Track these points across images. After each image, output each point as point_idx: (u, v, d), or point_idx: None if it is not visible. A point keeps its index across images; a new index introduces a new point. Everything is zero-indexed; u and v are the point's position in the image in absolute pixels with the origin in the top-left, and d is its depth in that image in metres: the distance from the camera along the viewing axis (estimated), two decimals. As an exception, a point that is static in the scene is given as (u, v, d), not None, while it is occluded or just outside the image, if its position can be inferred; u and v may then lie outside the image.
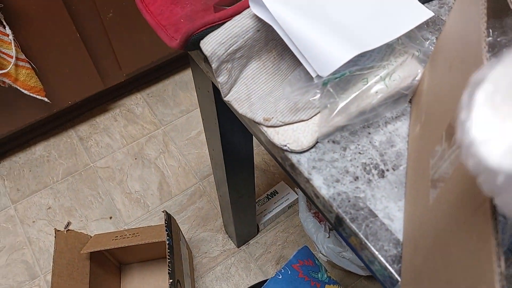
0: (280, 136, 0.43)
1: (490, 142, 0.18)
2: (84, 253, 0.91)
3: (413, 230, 0.36)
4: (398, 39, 0.42)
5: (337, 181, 0.42)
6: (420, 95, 0.42)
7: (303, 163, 0.43)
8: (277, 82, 0.47)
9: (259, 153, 1.37)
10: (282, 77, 0.47)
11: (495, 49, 0.34)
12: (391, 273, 0.37)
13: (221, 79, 0.45)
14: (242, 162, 0.86)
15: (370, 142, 0.44)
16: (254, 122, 0.45)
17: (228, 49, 0.43)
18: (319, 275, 0.71)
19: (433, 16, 0.45)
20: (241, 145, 0.81)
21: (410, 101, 0.46)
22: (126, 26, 1.19)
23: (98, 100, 1.45)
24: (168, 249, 0.87)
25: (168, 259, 0.85)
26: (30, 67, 1.07)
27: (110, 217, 1.26)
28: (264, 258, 1.20)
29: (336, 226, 0.42)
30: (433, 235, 0.31)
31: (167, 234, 0.88)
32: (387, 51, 0.41)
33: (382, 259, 0.38)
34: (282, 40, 0.47)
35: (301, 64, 0.45)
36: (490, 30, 0.34)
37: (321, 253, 0.97)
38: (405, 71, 0.43)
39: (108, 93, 1.45)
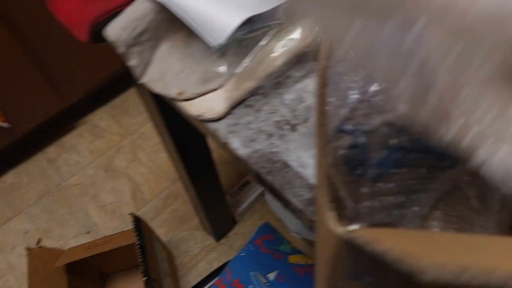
0: (195, 107, 0.45)
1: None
2: (58, 266, 0.92)
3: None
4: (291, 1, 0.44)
5: (253, 140, 0.44)
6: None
7: (220, 129, 0.45)
8: (187, 61, 0.48)
9: (227, 148, 1.39)
10: (191, 54, 0.49)
11: None
12: (307, 216, 0.39)
13: (132, 62, 0.46)
14: (200, 155, 0.88)
15: (281, 101, 0.46)
16: (169, 98, 0.47)
17: (132, 32, 0.45)
18: (282, 247, 0.72)
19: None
20: (192, 136, 0.83)
21: (315, 59, 0.48)
22: (76, 42, 1.20)
23: (63, 120, 1.45)
24: (140, 248, 0.88)
25: (140, 258, 0.87)
26: (-18, 94, 1.08)
27: (88, 232, 1.27)
28: (244, 247, 1.21)
29: (258, 182, 0.44)
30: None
31: (137, 234, 0.89)
32: (279, 12, 0.44)
33: (298, 204, 0.40)
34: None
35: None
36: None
37: (292, 232, 0.99)
38: (305, 31, 0.45)
39: (71, 112, 1.45)
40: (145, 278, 0.84)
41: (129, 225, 1.26)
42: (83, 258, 0.98)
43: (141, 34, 0.45)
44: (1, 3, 1.01)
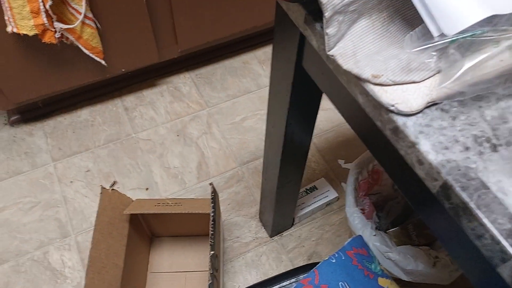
0: (389, 95, 0.41)
1: None
2: (126, 213, 0.91)
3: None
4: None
5: (446, 148, 0.40)
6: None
7: (409, 126, 0.41)
8: (384, 44, 0.45)
9: (302, 147, 1.35)
10: (390, 39, 0.45)
11: None
12: (504, 247, 0.35)
13: (330, 30, 0.43)
14: (300, 145, 0.84)
15: (481, 115, 0.42)
16: (359, 78, 0.43)
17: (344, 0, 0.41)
18: (373, 266, 0.68)
19: None
20: (304, 126, 0.79)
21: (525, 81, 0.44)
22: (191, 1, 1.19)
23: (148, 74, 1.45)
24: (212, 221, 0.85)
25: (212, 231, 0.84)
26: (95, 26, 1.08)
27: (147, 188, 1.26)
28: (296, 251, 1.17)
29: (439, 196, 0.40)
30: None
31: (213, 206, 0.87)
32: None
33: (495, 232, 0.35)
34: (396, 0, 0.45)
35: (413, 27, 0.43)
36: None
37: (370, 249, 0.93)
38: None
39: (158, 68, 1.45)
40: (212, 252, 0.81)
41: (189, 193, 1.24)
42: (142, 214, 0.97)
43: (351, 3, 0.42)
44: None
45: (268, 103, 0.79)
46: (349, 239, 0.70)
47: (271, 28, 1.49)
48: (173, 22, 1.23)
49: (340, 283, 0.63)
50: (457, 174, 0.38)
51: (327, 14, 0.42)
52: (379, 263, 0.70)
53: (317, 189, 1.24)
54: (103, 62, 1.17)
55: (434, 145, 0.40)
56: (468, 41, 0.38)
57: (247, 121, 1.40)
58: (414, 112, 0.41)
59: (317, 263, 0.66)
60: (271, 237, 1.19)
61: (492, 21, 0.38)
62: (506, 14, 0.37)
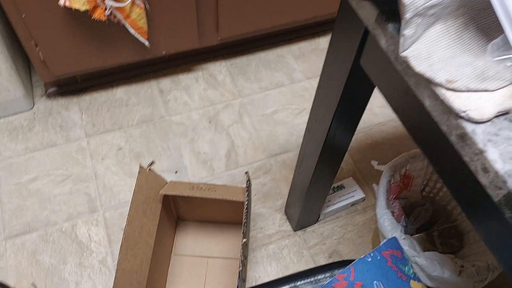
0: (462, 101, 0.42)
1: None
2: (161, 194, 0.93)
3: None
4: None
5: (514, 158, 0.40)
6: None
7: (478, 133, 0.41)
8: (457, 50, 0.45)
9: (331, 145, 1.36)
10: (463, 46, 0.45)
11: None
12: None
13: (407, 31, 0.44)
14: (341, 142, 0.85)
15: (550, 129, 0.42)
16: (432, 82, 0.43)
17: (427, 2, 0.42)
18: (406, 269, 0.69)
19: None
20: (348, 124, 0.80)
21: None
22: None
23: (185, 59, 1.47)
24: (246, 209, 0.87)
25: (245, 219, 0.85)
26: (144, 7, 1.09)
27: (176, 172, 1.28)
28: (318, 248, 1.18)
29: (502, 204, 0.40)
30: None
31: (247, 195, 0.88)
32: None
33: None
34: (472, 9, 0.46)
35: (489, 36, 0.43)
36: None
37: (404, 252, 0.94)
38: None
39: (195, 54, 1.47)
40: (244, 240, 0.83)
41: (216, 180, 1.26)
42: (173, 196, 0.99)
43: (432, 7, 0.42)
44: None
45: (315, 97, 0.80)
46: (385, 240, 0.71)
47: (310, 24, 1.49)
48: (217, 10, 1.24)
49: (374, 282, 0.64)
50: (525, 184, 0.39)
51: (407, 15, 0.43)
52: (412, 266, 0.71)
53: (344, 188, 1.25)
54: (146, 43, 1.18)
55: (502, 154, 0.40)
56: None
57: (278, 114, 1.41)
58: (484, 120, 0.42)
59: (353, 260, 0.67)
60: (294, 231, 1.21)
61: None
62: None
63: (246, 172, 0.92)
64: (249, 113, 1.41)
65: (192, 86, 1.45)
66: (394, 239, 0.72)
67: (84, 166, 1.28)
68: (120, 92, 1.42)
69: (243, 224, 0.84)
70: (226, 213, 1.09)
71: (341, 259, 0.68)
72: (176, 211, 1.13)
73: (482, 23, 0.46)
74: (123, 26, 1.12)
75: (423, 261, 0.88)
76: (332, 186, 1.25)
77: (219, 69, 1.50)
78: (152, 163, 0.92)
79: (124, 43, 1.21)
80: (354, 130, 0.84)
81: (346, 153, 1.32)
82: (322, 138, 0.82)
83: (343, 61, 0.66)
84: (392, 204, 1.03)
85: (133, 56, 1.26)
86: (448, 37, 0.45)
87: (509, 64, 0.41)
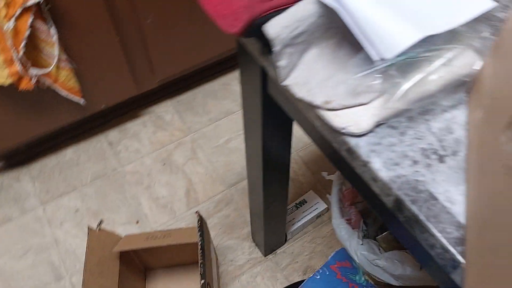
0: (340, 119, 0.43)
1: None
2: (115, 251, 0.92)
3: (481, 211, 0.36)
4: (460, 26, 0.42)
5: (396, 164, 0.42)
6: (482, 82, 0.42)
7: (361, 146, 0.43)
8: (334, 69, 0.47)
9: (286, 163, 1.37)
10: (339, 65, 0.47)
11: None
12: (454, 255, 0.37)
13: (281, 63, 0.45)
14: (280, 164, 0.86)
15: (428, 128, 0.44)
16: (312, 105, 0.45)
17: (291, 33, 0.44)
18: (357, 278, 0.69)
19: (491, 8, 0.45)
20: (280, 147, 0.81)
21: (467, 91, 0.46)
22: (163, 33, 1.22)
23: (129, 106, 1.47)
24: (201, 250, 0.86)
25: (201, 259, 0.85)
26: (71, 67, 1.10)
27: (137, 222, 1.27)
28: (290, 268, 1.18)
29: (394, 210, 0.42)
30: None
31: (200, 234, 0.88)
32: (450, 36, 0.42)
33: (444, 241, 0.37)
34: (341, 28, 0.48)
35: (360, 51, 0.46)
36: None
37: (354, 261, 0.95)
38: (465, 59, 0.43)
39: (138, 100, 1.47)
40: (202, 281, 0.82)
41: (179, 222, 1.25)
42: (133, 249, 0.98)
43: (298, 35, 0.44)
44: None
45: (244, 127, 0.81)
46: (333, 253, 0.72)
47: (245, 50, 1.52)
48: (148, 54, 1.26)
49: (325, 298, 0.65)
50: (407, 188, 0.40)
51: (276, 48, 0.44)
52: (364, 274, 0.71)
53: (306, 202, 1.26)
54: (82, 101, 1.19)
55: (385, 162, 0.42)
56: (406, 63, 0.41)
57: (231, 143, 1.42)
58: (364, 132, 0.43)
59: (303, 281, 0.68)
60: (265, 256, 1.20)
61: (425, 42, 0.41)
62: (437, 34, 0.40)
63: (196, 212, 0.92)
64: (202, 147, 1.41)
65: (141, 132, 1.45)
66: (342, 250, 0.73)
67: (43, 235, 1.25)
68: (69, 153, 1.41)
69: (199, 265, 0.84)
70: (193, 255, 1.08)
71: (297, 281, 0.68)
72: (141, 262, 1.11)
73: (353, 40, 0.48)
74: (54, 90, 1.13)
75: (384, 263, 0.89)
76: (294, 203, 1.26)
77: (165, 109, 1.51)
78: (101, 222, 0.91)
79: (61, 105, 1.20)
80: (289, 149, 0.85)
81: (304, 167, 1.34)
82: (260, 163, 0.83)
83: (253, 92, 0.68)
84: (349, 211, 1.04)
85: (73, 116, 1.25)
86: (324, 59, 0.47)
87: (376, 76, 0.43)
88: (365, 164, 0.42)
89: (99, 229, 0.92)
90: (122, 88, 1.28)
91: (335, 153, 0.51)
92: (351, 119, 0.43)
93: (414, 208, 0.39)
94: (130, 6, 1.11)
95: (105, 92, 1.25)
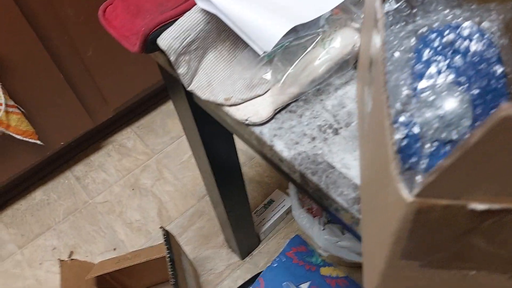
0: (241, 112, 0.47)
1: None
2: (89, 278, 0.94)
3: (365, 169, 0.40)
4: (332, 10, 0.46)
5: (297, 143, 0.46)
6: (359, 60, 0.46)
7: (265, 133, 0.47)
8: (234, 68, 0.51)
9: (252, 166, 1.41)
10: (238, 64, 0.51)
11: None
12: (353, 214, 0.41)
13: (180, 70, 0.49)
14: (231, 171, 0.90)
15: (323, 107, 0.48)
16: (217, 104, 0.49)
17: (183, 42, 0.48)
18: (313, 259, 0.73)
19: (363, -12, 0.50)
20: (225, 152, 0.85)
21: (355, 68, 0.51)
22: (107, 63, 1.25)
23: (91, 139, 1.50)
24: (170, 262, 0.89)
25: (171, 271, 0.87)
26: (20, 111, 1.12)
27: (114, 249, 1.29)
28: (269, 266, 1.21)
29: (303, 184, 0.45)
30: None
31: (167, 248, 0.91)
32: (323, 21, 0.46)
33: (343, 202, 0.41)
34: (232, 29, 0.52)
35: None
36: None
37: (319, 248, 0.99)
38: (345, 39, 0.47)
39: (99, 131, 1.50)
40: (175, 291, 0.85)
41: (155, 242, 1.27)
42: (112, 272, 1.00)
43: (190, 43, 0.48)
44: (39, 23, 1.07)
45: (188, 141, 0.85)
46: (288, 241, 0.75)
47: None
48: (97, 86, 1.29)
49: (283, 283, 0.68)
50: (308, 162, 0.44)
51: (171, 58, 0.48)
52: (320, 255, 0.75)
53: (274, 201, 1.30)
54: (39, 142, 1.21)
55: (287, 143, 0.46)
56: (285, 51, 0.45)
57: (196, 157, 1.45)
58: (265, 120, 0.47)
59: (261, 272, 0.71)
60: (242, 260, 1.23)
61: (297, 31, 0.45)
62: (304, 26, 0.44)
63: (161, 227, 0.95)
64: (168, 166, 1.44)
65: (106, 162, 1.48)
66: (297, 237, 0.77)
67: (25, 278, 1.26)
68: (39, 194, 1.43)
69: (170, 276, 0.86)
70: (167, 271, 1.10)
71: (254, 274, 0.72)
72: (121, 284, 1.13)
73: (247, 38, 0.53)
74: (10, 135, 1.15)
75: (346, 243, 0.93)
76: (263, 204, 1.29)
77: (127, 136, 1.54)
78: (71, 253, 0.93)
79: (19, 149, 1.22)
80: (235, 152, 0.89)
81: (268, 168, 1.37)
82: (211, 172, 0.86)
83: (183, 102, 0.71)
84: (309, 200, 1.08)
85: (33, 159, 1.27)
86: (223, 60, 0.51)
87: (266, 68, 0.47)
88: (271, 148, 0.46)
89: (71, 260, 0.94)
90: (77, 123, 1.31)
91: (250, 143, 0.55)
92: (251, 111, 0.47)
93: (314, 179, 0.43)
94: (68, 42, 1.14)
95: (61, 129, 1.27)
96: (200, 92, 0.50)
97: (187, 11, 0.49)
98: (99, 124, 1.38)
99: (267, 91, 0.48)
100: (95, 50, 1.19)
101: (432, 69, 0.34)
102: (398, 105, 0.32)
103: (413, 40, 0.36)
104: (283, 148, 0.45)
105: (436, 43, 0.34)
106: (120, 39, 0.55)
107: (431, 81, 0.33)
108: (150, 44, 0.49)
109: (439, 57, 0.34)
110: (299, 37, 0.44)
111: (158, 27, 0.48)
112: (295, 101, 0.49)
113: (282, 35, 0.43)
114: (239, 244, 1.17)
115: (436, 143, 0.31)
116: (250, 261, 1.23)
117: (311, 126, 0.47)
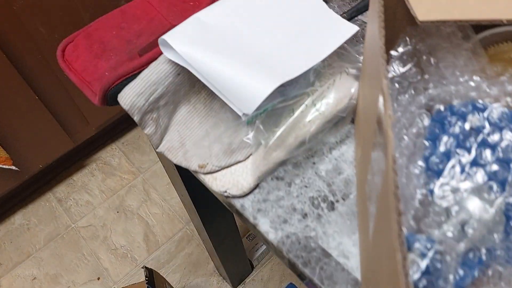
0: (219, 182, 0.40)
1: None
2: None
3: (366, 267, 0.33)
4: (323, 61, 0.39)
5: (285, 221, 0.38)
6: (358, 115, 0.39)
7: (247, 207, 0.40)
8: (211, 123, 0.44)
9: (242, 186, 1.33)
10: (215, 117, 0.44)
11: (414, 58, 0.31)
12: (353, 318, 0.33)
13: (147, 130, 0.42)
14: (215, 205, 0.83)
15: (315, 172, 0.41)
16: (190, 170, 0.42)
17: (149, 98, 0.40)
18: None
19: (361, 30, 0.42)
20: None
21: (353, 122, 0.43)
22: (85, 81, 1.17)
23: (73, 157, 1.42)
24: (152, 307, 0.82)
25: (153, 317, 0.80)
26: (-9, 138, 1.04)
27: (98, 278, 1.21)
28: (262, 295, 1.14)
29: (298, 273, 0.38)
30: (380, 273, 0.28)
31: (149, 290, 0.84)
32: (313, 75, 0.39)
33: (341, 304, 0.34)
34: (209, 79, 0.45)
35: (231, 101, 0.42)
36: (407, 38, 0.31)
37: None
38: (339, 92, 0.40)
39: (82, 149, 1.42)
40: None
41: (141, 270, 1.20)
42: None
43: (158, 99, 0.41)
44: (9, 42, 0.99)
45: (168, 177, 0.77)
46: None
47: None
48: (76, 106, 1.21)
49: None
50: (298, 248, 0.37)
51: (136, 118, 0.41)
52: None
53: (267, 224, 1.22)
54: (13, 167, 1.13)
55: (273, 221, 0.39)
56: (268, 114, 0.37)
57: (184, 176, 1.38)
58: (247, 192, 0.40)
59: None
60: (234, 288, 1.17)
61: (283, 88, 0.37)
62: (292, 83, 0.37)
63: (143, 267, 0.88)
64: (154, 187, 1.37)
65: (90, 182, 1.40)
66: (290, 286, 0.70)
67: (3, 312, 1.19)
68: (18, 219, 1.35)
69: (153, 324, 0.79)
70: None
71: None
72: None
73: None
74: (-19, 162, 1.07)
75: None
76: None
77: (111, 153, 1.46)
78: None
79: (-6, 175, 1.14)
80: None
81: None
82: (195, 211, 0.79)
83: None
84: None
85: (11, 183, 1.19)
86: (198, 114, 0.44)
87: (249, 130, 0.40)
88: (254, 226, 0.39)
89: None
90: (56, 144, 1.23)
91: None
92: (230, 180, 0.40)
93: (307, 272, 0.36)
94: (43, 62, 1.06)
95: (39, 152, 1.20)
96: (171, 155, 0.42)
97: (153, 60, 0.41)
98: (80, 143, 1.30)
99: (249, 156, 0.40)
100: (71, 69, 1.11)
101: (452, 165, 0.26)
102: (411, 221, 0.25)
103: (426, 120, 0.29)
104: (268, 228, 0.38)
105: (456, 129, 0.27)
106: (81, 85, 0.47)
107: (451, 183, 0.26)
108: (110, 99, 0.41)
109: (461, 150, 0.26)
110: (287, 99, 0.37)
111: (118, 81, 0.40)
112: (282, 164, 0.41)
113: (265, 97, 0.35)
114: (230, 272, 1.10)
115: (462, 271, 0.24)
116: (242, 290, 1.16)
117: (302, 198, 0.39)
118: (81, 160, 1.44)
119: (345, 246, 0.36)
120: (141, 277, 1.20)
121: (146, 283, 0.84)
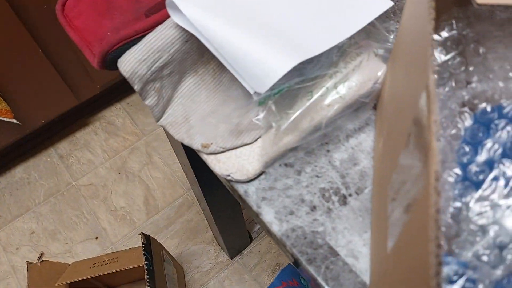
0: (222, 165, 0.37)
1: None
2: (59, 285, 0.86)
3: (379, 273, 0.30)
4: (350, 38, 0.35)
5: (291, 213, 0.35)
6: (382, 102, 0.35)
7: (251, 194, 0.36)
8: (220, 98, 0.40)
9: (247, 157, 1.30)
10: (225, 92, 0.40)
11: (459, 46, 0.27)
12: (358, 326, 0.31)
13: (149, 101, 0.38)
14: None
15: (329, 161, 0.37)
16: (192, 148, 0.38)
17: (152, 66, 0.36)
18: (306, 295, 0.64)
19: (393, 5, 0.38)
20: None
21: (375, 108, 0.39)
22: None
23: (77, 115, 1.39)
24: (148, 274, 0.81)
25: (148, 284, 0.79)
26: (-8, 89, 1.01)
27: (96, 238, 1.21)
28: (259, 268, 1.14)
29: (300, 268, 0.35)
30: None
31: (146, 258, 0.82)
32: (337, 54, 0.34)
33: (346, 310, 0.31)
34: (220, 48, 0.40)
35: (242, 75, 0.38)
36: (454, 22, 0.27)
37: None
38: (363, 75, 0.36)
39: (85, 106, 1.39)
40: (152, 308, 0.77)
41: (139, 236, 1.19)
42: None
43: (162, 67, 0.37)
44: (20, 3, 0.94)
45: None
46: (278, 273, 0.66)
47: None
48: (81, 63, 1.16)
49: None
50: (304, 244, 0.34)
51: (136, 87, 0.37)
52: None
53: (269, 197, 1.20)
54: (14, 121, 1.10)
55: (278, 212, 0.35)
56: (283, 95, 0.34)
57: (188, 141, 1.35)
58: (252, 178, 0.36)
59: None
60: (231, 259, 1.16)
61: (302, 70, 0.33)
62: (313, 62, 0.33)
63: (140, 233, 0.86)
64: (157, 150, 1.34)
65: (92, 141, 1.37)
66: (288, 267, 0.68)
67: (0, 263, 1.19)
68: (19, 172, 1.33)
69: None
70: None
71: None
72: (101, 282, 1.06)
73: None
74: (-18, 114, 1.04)
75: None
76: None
77: (116, 113, 1.42)
78: (41, 255, 0.85)
79: (-5, 128, 1.12)
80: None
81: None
82: (196, 181, 0.76)
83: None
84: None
85: (11, 137, 1.17)
86: (205, 87, 0.40)
87: (259, 110, 0.36)
88: (257, 215, 0.36)
89: (41, 262, 0.86)
90: (60, 100, 1.19)
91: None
92: (235, 164, 0.36)
93: (311, 270, 0.33)
94: (48, 14, 1.01)
95: (41, 107, 1.16)
96: (173, 130, 0.39)
97: (159, 23, 0.37)
98: (84, 101, 1.27)
99: (257, 139, 0.37)
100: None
101: (495, 177, 0.23)
102: (442, 241, 0.21)
103: (467, 121, 0.25)
104: (272, 219, 0.35)
105: (504, 134, 0.23)
106: (81, 45, 0.43)
107: (492, 198, 0.22)
108: (110, 64, 0.38)
109: (507, 161, 0.23)
110: (304, 80, 0.33)
111: (119, 44, 0.36)
112: (293, 149, 0.38)
113: (281, 75, 0.31)
114: (228, 243, 1.09)
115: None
116: (239, 261, 1.15)
117: (311, 188, 0.36)
118: (85, 118, 1.41)
119: (354, 245, 0.33)
120: (139, 240, 1.19)
121: (143, 249, 0.83)
